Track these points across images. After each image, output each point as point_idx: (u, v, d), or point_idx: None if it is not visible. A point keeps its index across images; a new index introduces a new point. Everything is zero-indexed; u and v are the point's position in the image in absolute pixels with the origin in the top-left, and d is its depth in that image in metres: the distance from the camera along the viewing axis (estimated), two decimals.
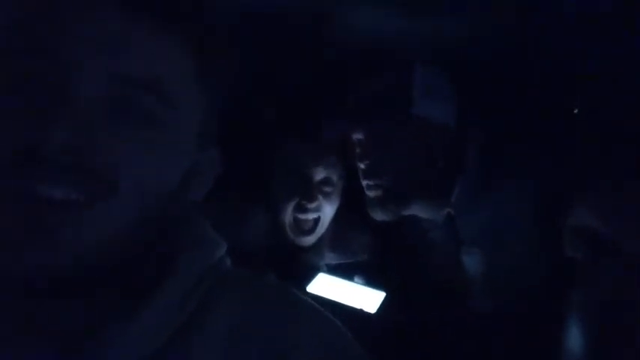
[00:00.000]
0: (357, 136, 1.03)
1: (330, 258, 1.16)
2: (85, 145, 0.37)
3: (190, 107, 0.44)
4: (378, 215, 1.02)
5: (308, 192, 1.06)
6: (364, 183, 1.03)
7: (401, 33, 0.99)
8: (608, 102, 0.84)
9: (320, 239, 1.14)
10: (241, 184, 1.01)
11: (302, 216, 1.08)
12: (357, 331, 0.48)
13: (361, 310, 1.01)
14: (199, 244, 0.47)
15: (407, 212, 1.02)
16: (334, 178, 1.10)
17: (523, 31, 0.95)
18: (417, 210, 1.02)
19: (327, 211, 1.10)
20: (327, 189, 1.09)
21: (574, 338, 0.65)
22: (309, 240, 1.12)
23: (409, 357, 0.93)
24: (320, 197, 1.08)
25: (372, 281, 1.10)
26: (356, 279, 1.12)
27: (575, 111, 0.96)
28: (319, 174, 1.08)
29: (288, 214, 1.08)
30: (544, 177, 0.91)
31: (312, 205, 1.07)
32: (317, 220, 1.10)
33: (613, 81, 0.89)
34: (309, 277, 1.10)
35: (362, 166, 1.03)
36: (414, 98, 0.95)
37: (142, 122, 0.40)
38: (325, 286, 1.09)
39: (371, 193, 1.02)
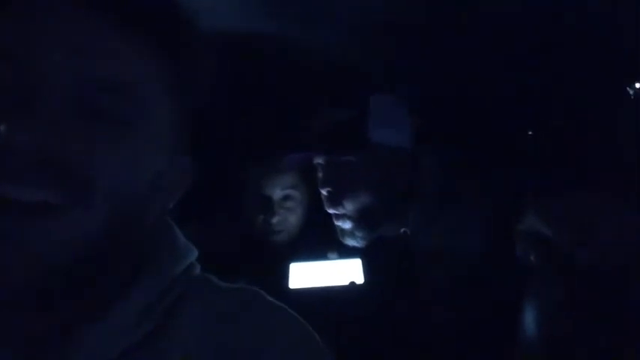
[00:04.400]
0: (318, 160, 1.06)
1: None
2: (55, 144, 0.36)
3: (162, 113, 0.44)
4: (350, 242, 1.06)
5: (269, 211, 1.13)
6: (330, 211, 1.05)
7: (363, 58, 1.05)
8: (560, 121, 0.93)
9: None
10: (209, 192, 1.03)
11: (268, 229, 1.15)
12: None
13: (352, 284, 1.05)
14: (170, 250, 0.47)
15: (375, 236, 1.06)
16: (295, 194, 1.16)
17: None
18: (383, 232, 1.06)
19: (291, 221, 1.17)
20: (289, 204, 1.16)
21: (528, 338, 0.70)
22: (280, 238, 1.16)
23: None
24: (282, 212, 1.15)
25: (343, 251, 1.13)
26: (329, 255, 1.14)
27: (530, 133, 1.01)
28: (278, 194, 1.15)
29: (257, 226, 1.15)
30: (497, 188, 1.00)
31: (275, 221, 1.14)
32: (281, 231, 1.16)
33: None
34: (282, 271, 1.10)
35: (324, 192, 1.04)
36: (370, 127, 1.00)
37: (114, 124, 0.39)
38: (303, 274, 1.09)
39: (339, 224, 1.05)
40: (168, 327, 0.43)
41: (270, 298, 0.49)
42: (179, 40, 0.44)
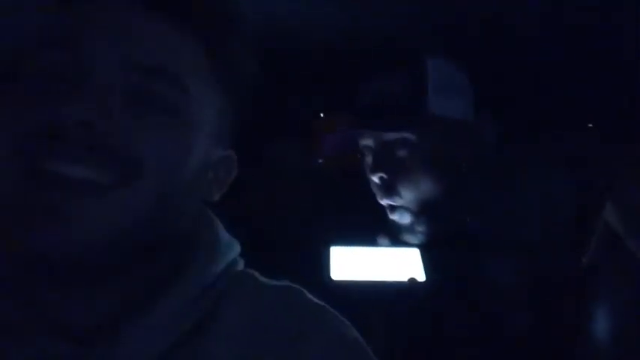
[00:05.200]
0: (366, 142, 0.88)
1: None
2: (105, 124, 0.37)
3: (208, 105, 0.44)
4: (409, 240, 0.88)
5: None
6: (385, 203, 0.88)
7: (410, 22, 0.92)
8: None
9: None
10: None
11: None
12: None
13: (412, 282, 0.81)
14: (212, 246, 0.47)
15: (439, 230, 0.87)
16: None
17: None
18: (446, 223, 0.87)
19: None
20: None
21: (597, 339, 0.65)
22: None
23: None
24: None
25: (397, 239, 0.89)
26: (379, 240, 0.89)
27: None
28: None
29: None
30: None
31: None
32: None
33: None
34: (320, 256, 0.85)
35: (376, 180, 0.87)
36: (430, 96, 0.83)
37: (160, 110, 0.40)
38: (346, 262, 0.85)
39: (396, 218, 0.87)
40: (209, 325, 0.43)
41: (311, 297, 0.49)
42: (226, 35, 0.45)
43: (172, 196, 0.41)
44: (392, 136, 0.85)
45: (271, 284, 0.49)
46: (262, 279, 0.49)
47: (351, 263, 0.85)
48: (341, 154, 1.00)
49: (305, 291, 0.49)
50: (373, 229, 0.91)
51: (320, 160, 1.11)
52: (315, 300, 0.49)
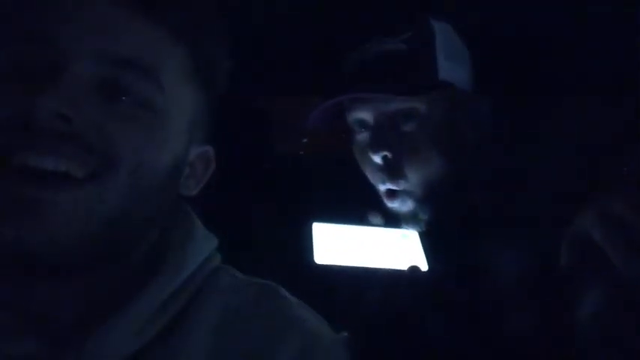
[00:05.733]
0: (360, 115, 0.73)
1: None
2: (79, 116, 0.37)
3: (184, 99, 0.44)
4: (410, 228, 0.73)
5: None
6: (384, 188, 0.73)
7: None
8: None
9: None
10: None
11: None
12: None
13: (414, 270, 0.66)
14: (188, 242, 0.46)
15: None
16: None
17: None
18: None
19: None
20: None
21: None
22: None
23: None
24: None
25: (390, 217, 0.74)
26: (371, 218, 0.74)
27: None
28: None
29: None
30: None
31: None
32: None
33: None
34: (301, 235, 0.69)
35: (378, 160, 0.71)
36: (439, 59, 0.70)
37: (135, 103, 0.40)
38: (332, 243, 0.70)
39: (396, 205, 0.72)
40: (185, 321, 0.43)
41: (288, 294, 0.49)
42: (205, 33, 0.45)
43: (148, 189, 0.41)
44: (396, 105, 0.70)
45: (248, 281, 0.49)
46: (240, 275, 0.49)
47: (338, 244, 0.69)
48: (328, 132, 0.83)
49: (282, 288, 0.49)
50: (362, 204, 0.76)
51: (304, 140, 0.93)
52: (292, 298, 0.48)
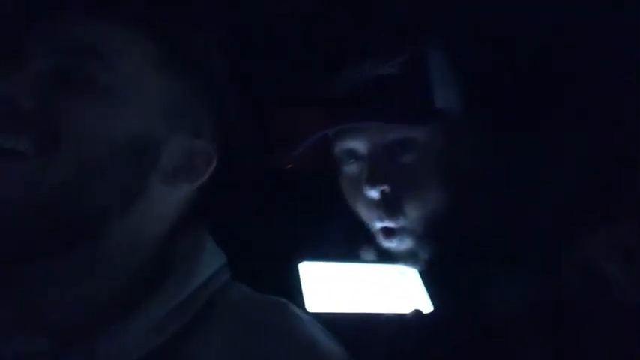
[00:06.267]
0: (351, 145, 0.66)
1: None
2: (29, 100, 0.40)
3: (145, 83, 0.45)
4: (408, 266, 0.66)
5: None
6: (380, 226, 0.65)
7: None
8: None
9: None
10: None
11: None
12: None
13: (416, 314, 0.58)
14: (195, 255, 0.46)
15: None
16: None
17: None
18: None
19: None
20: None
21: None
22: None
23: None
24: None
25: (385, 253, 0.66)
26: (363, 254, 0.66)
27: None
28: None
29: None
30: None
31: None
32: None
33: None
34: (288, 277, 0.60)
35: (374, 195, 0.63)
36: (434, 87, 0.64)
37: (85, 86, 0.42)
38: (324, 286, 0.60)
39: (394, 245, 0.64)
40: (192, 334, 0.43)
41: (298, 310, 0.48)
42: (159, 19, 0.47)
43: (98, 163, 0.41)
44: (394, 135, 0.63)
45: (258, 296, 0.49)
46: (249, 291, 0.49)
47: (330, 286, 0.60)
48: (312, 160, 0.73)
49: (292, 304, 0.49)
50: (352, 239, 0.67)
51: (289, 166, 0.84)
52: (303, 315, 0.48)
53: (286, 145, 0.72)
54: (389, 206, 0.63)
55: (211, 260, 0.47)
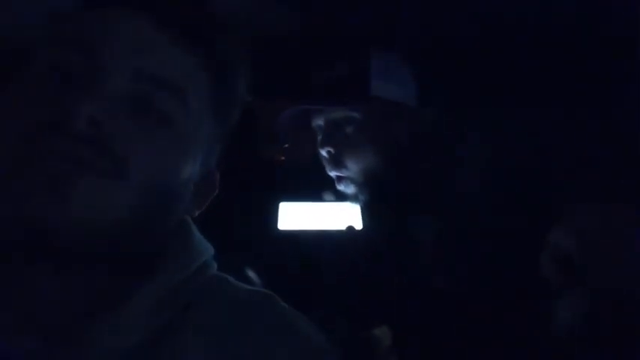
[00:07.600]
0: (317, 121, 0.99)
1: None
2: (111, 125, 0.40)
3: (203, 119, 0.47)
4: (353, 203, 0.99)
5: None
6: (332, 174, 0.99)
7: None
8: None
9: None
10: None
11: None
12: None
13: (350, 229, 0.92)
14: (183, 246, 0.47)
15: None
16: None
17: None
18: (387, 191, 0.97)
19: None
20: None
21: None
22: None
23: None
24: None
25: (341, 195, 1.00)
26: (325, 196, 1.01)
27: None
28: None
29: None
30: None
31: None
32: None
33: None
34: (270, 211, 0.97)
35: (324, 154, 0.98)
36: (372, 80, 0.95)
37: (159, 119, 0.43)
38: (294, 215, 0.96)
39: (342, 187, 0.98)
40: (180, 324, 0.43)
41: (283, 303, 0.49)
42: (226, 55, 0.49)
43: (157, 202, 0.43)
44: (339, 114, 0.96)
45: (243, 288, 0.50)
46: (235, 282, 0.50)
47: (298, 216, 0.96)
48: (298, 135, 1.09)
49: (276, 296, 0.50)
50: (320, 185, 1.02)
51: (286, 145, 1.18)
52: (286, 306, 0.49)
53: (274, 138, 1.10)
54: (333, 161, 0.96)
55: (200, 250, 0.48)
